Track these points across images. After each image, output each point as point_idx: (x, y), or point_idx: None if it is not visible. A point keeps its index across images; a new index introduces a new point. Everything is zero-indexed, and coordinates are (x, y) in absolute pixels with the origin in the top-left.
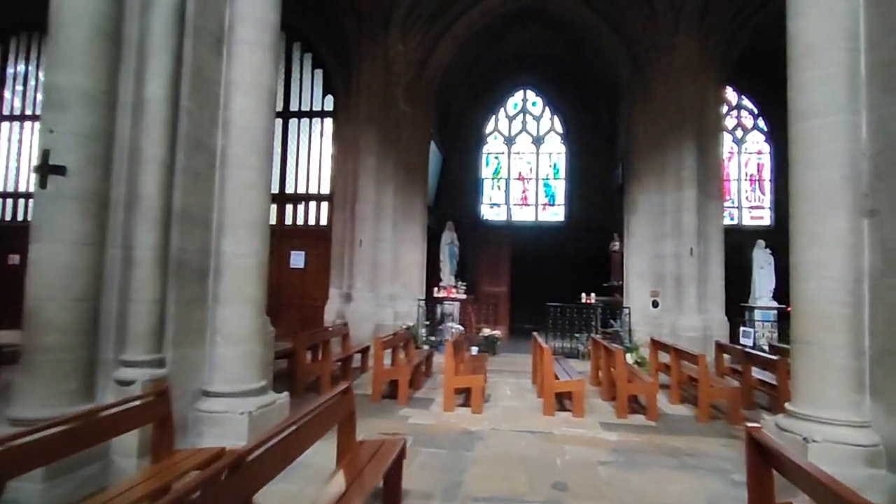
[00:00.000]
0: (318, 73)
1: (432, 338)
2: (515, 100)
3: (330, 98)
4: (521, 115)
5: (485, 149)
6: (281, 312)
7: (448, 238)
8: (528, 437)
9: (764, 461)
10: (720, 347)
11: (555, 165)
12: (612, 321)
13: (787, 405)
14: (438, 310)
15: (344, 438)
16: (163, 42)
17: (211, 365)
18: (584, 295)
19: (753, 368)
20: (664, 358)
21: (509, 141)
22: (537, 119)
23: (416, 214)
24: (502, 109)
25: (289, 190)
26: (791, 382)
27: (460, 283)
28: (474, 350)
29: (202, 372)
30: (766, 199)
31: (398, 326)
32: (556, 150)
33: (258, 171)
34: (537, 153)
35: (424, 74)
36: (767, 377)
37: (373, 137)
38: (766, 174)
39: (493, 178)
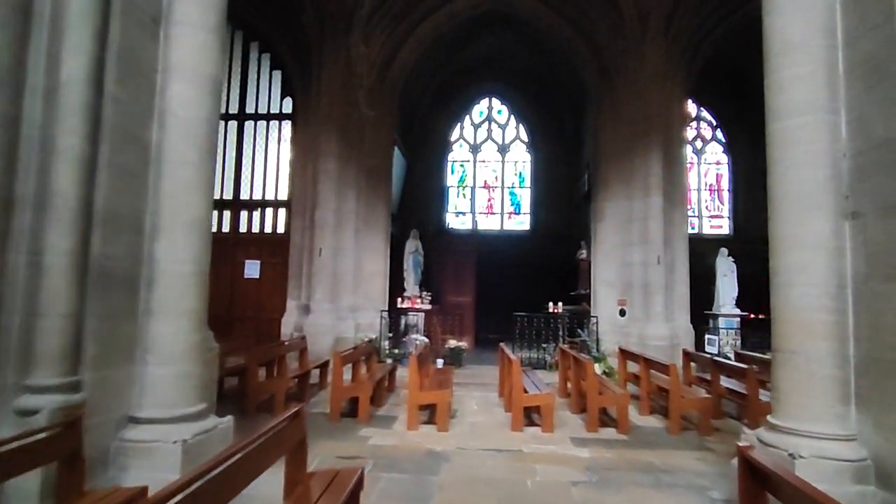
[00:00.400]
0: (277, 74)
1: (396, 350)
2: (481, 107)
3: (289, 100)
4: (486, 123)
5: (450, 156)
6: (234, 326)
7: (412, 246)
8: (497, 457)
9: (758, 483)
10: (687, 356)
11: (520, 174)
12: (579, 330)
13: (769, 418)
14: (402, 321)
15: (293, 470)
16: (83, 17)
17: (140, 387)
18: (551, 304)
19: (721, 377)
20: (633, 367)
21: (475, 149)
22: (503, 127)
23: (380, 221)
24: (468, 117)
25: (244, 196)
26: (772, 394)
27: (425, 293)
28: (440, 362)
29: (129, 396)
30: (725, 209)
31: (360, 339)
32: (521, 159)
33: (199, 169)
34: (503, 161)
35: (388, 77)
36: (736, 386)
37: (334, 141)
38: (725, 184)
39: (458, 186)
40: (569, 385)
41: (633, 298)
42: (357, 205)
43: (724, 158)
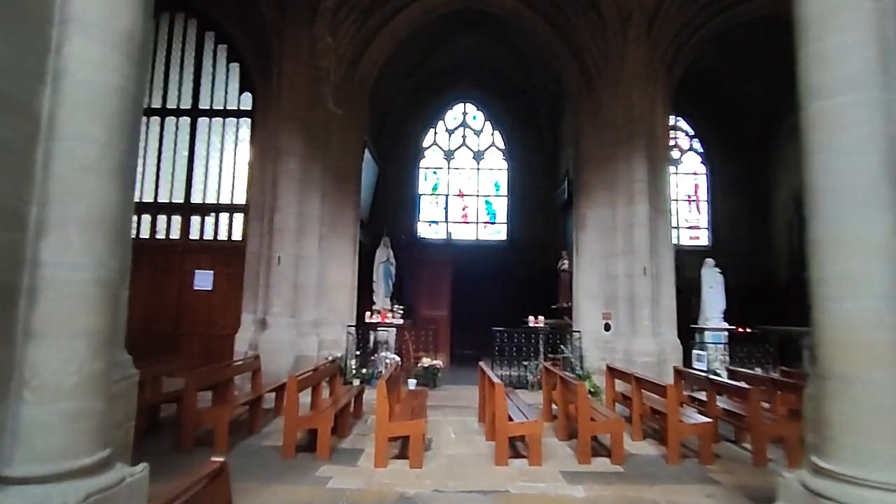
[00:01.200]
0: (235, 67)
1: (364, 370)
2: (455, 113)
3: (248, 96)
4: (461, 129)
5: (423, 163)
6: (181, 343)
7: (383, 255)
8: (481, 501)
9: None
10: (678, 374)
11: (496, 182)
12: (562, 346)
13: (817, 461)
14: (371, 337)
15: None
16: None
17: (13, 435)
18: (531, 318)
19: (717, 397)
20: (620, 386)
21: (448, 155)
22: (478, 133)
23: (347, 227)
24: (441, 122)
25: (196, 199)
26: (818, 429)
27: (397, 306)
28: (412, 383)
29: None
30: (704, 220)
31: (324, 357)
32: (497, 167)
33: (106, 148)
34: (478, 169)
35: (357, 73)
36: (732, 406)
37: (296, 138)
38: (703, 195)
39: (431, 194)
40: (554, 407)
41: (618, 312)
42: (322, 209)
43: (702, 168)
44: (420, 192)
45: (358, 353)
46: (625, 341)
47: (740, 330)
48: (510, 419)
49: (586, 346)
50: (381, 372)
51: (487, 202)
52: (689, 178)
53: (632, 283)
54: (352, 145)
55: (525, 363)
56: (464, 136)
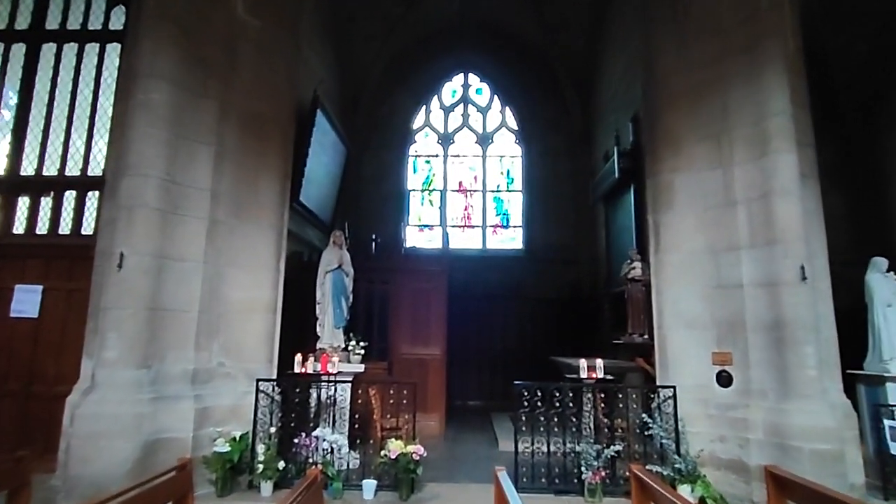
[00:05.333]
0: None
1: (283, 465)
2: (454, 85)
3: (121, 10)
4: (461, 106)
5: (412, 149)
6: None
7: (332, 259)
8: None
9: None
10: None
11: (508, 173)
12: (645, 417)
13: None
14: (313, 397)
15: None
16: None
17: None
18: (583, 363)
19: None
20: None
21: (446, 140)
22: (483, 111)
23: (267, 212)
24: (436, 97)
25: (28, 170)
26: None
27: (355, 342)
28: (369, 488)
29: None
30: None
31: (209, 439)
32: (509, 153)
33: None
34: (484, 156)
35: None
36: None
37: (170, 51)
38: None
39: (423, 190)
40: None
41: (748, 351)
42: (217, 179)
43: None
44: (408, 187)
45: (276, 428)
46: (767, 407)
47: None
48: None
49: (686, 414)
50: (314, 464)
51: (497, 199)
52: None
53: (774, 297)
54: (276, 80)
55: (577, 449)
56: (465, 115)
